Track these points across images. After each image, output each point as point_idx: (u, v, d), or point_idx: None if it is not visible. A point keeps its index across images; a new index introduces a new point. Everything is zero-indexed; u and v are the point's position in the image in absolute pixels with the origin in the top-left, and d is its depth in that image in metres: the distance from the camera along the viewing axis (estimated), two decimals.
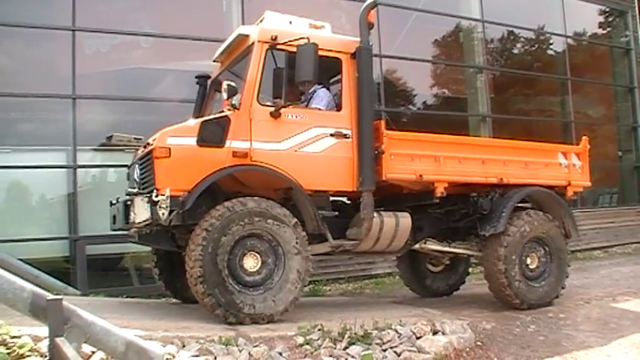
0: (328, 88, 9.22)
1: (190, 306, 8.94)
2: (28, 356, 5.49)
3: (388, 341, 7.17)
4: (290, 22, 8.81)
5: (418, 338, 7.38)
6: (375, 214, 8.62)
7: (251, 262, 7.73)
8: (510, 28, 19.91)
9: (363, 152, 8.45)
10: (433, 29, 18.33)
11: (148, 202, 7.57)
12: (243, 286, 7.61)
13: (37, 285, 10.20)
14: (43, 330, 5.18)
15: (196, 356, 6.14)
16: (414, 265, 11.28)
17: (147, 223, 7.69)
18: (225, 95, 7.94)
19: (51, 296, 5.02)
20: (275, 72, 8.52)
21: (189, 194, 7.45)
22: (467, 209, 9.78)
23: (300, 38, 7.96)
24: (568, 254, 10.19)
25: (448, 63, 19.18)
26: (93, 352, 5.60)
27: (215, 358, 6.21)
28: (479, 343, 7.79)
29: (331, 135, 8.46)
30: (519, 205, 9.88)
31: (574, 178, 10.53)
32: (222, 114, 8.09)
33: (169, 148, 7.61)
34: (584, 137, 10.93)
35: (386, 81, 16.41)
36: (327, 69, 8.77)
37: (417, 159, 8.99)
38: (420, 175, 8.95)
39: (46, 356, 5.36)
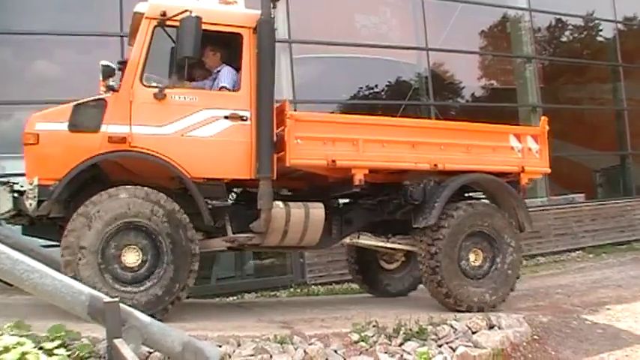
0: (235, 68, 8.13)
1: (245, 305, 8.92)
2: (87, 358, 5.57)
3: (444, 336, 7.11)
4: None
5: (474, 333, 7.30)
6: (282, 205, 7.87)
7: (132, 258, 7.08)
8: (558, 16, 19.51)
9: (260, 136, 7.63)
10: (479, 20, 18.11)
11: (9, 192, 7.15)
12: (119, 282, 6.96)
13: None
14: (101, 332, 5.25)
15: (252, 355, 6.16)
16: (363, 261, 10.36)
17: (11, 213, 7.25)
18: (100, 76, 7.40)
19: (108, 299, 5.11)
20: (171, 51, 7.97)
21: (59, 184, 6.94)
22: (399, 199, 8.74)
23: (185, 11, 7.32)
24: (521, 250, 9.01)
25: (496, 54, 18.94)
26: (150, 353, 5.67)
27: (271, 356, 6.21)
28: (535, 337, 7.64)
29: (226, 117, 7.67)
30: (470, 195, 9.28)
31: (529, 164, 9.25)
32: (98, 96, 7.48)
33: (37, 134, 7.11)
34: (542, 118, 9.81)
35: (433, 74, 16.25)
36: (231, 46, 8.11)
37: (329, 143, 8.02)
38: (333, 161, 7.94)
39: (104, 358, 5.45)
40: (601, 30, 20.45)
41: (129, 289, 6.92)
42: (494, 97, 18.39)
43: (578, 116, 19.09)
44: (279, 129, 7.87)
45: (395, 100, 15.89)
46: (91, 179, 7.38)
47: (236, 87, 7.94)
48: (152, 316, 5.99)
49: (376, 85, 16.14)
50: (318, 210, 8.12)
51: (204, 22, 7.37)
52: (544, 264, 15.23)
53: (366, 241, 9.06)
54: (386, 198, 8.88)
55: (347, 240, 8.98)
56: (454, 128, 9.41)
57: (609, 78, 20.12)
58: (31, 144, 7.12)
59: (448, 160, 8.67)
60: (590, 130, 19.09)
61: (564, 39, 20.66)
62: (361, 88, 15.90)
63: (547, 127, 9.45)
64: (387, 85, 16.46)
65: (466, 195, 9.22)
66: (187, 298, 10.79)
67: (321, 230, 8.19)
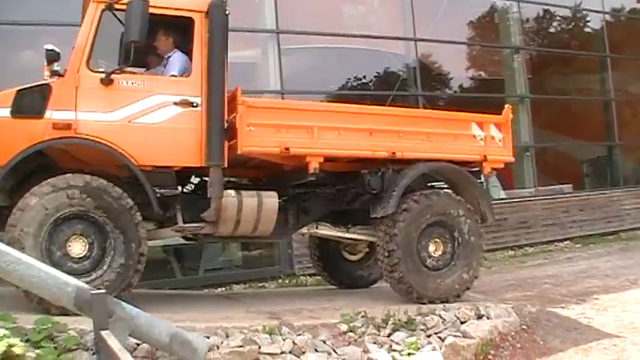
0: (186, 53, 7.86)
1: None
2: (74, 350, 5.54)
3: (432, 327, 7.11)
4: None
5: (462, 323, 7.30)
6: (233, 194, 7.65)
7: (78, 248, 6.85)
8: (546, 7, 19.57)
9: (210, 122, 7.39)
10: (468, 11, 18.10)
11: None
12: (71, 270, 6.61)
13: None
14: (87, 323, 5.21)
15: (241, 346, 6.13)
16: (325, 252, 10.00)
17: None
18: (45, 61, 7.15)
19: (95, 291, 5.06)
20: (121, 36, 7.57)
21: (1, 172, 6.67)
22: (357, 189, 8.51)
23: None
24: (482, 241, 8.66)
25: (484, 44, 18.97)
26: (138, 345, 5.63)
27: (259, 347, 6.18)
28: (524, 326, 7.65)
29: (175, 104, 7.41)
30: (433, 185, 9.04)
31: (492, 153, 8.92)
32: (43, 81, 7.17)
33: None
34: (506, 106, 9.40)
35: (421, 65, 16.24)
36: (183, 31, 7.85)
37: (283, 130, 7.75)
38: (287, 149, 7.68)
39: (91, 350, 5.41)
40: (589, 21, 20.55)
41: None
42: (483, 88, 18.45)
43: (565, 107, 19.13)
44: (232, 116, 7.62)
45: (383, 90, 15.86)
46: (39, 167, 7.14)
47: (186, 73, 7.71)
48: None
49: (364, 76, 16.14)
50: (271, 199, 7.92)
51: (155, 6, 7.16)
52: (532, 254, 15.32)
53: (325, 231, 8.80)
54: (344, 187, 8.66)
55: (304, 230, 8.77)
56: (414, 115, 9.29)
57: (597, 69, 20.17)
58: None
59: (407, 148, 8.37)
60: (578, 121, 19.11)
61: (552, 30, 20.75)
62: (349, 78, 15.90)
63: (511, 116, 9.24)
64: (375, 76, 16.45)
65: (429, 185, 9.04)
66: (176, 289, 10.96)
67: (274, 220, 7.97)
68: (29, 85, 7.04)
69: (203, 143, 7.40)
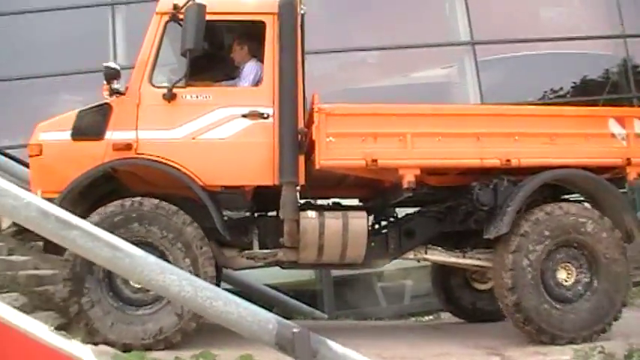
0: (262, 61, 7.22)
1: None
2: None
3: None
4: None
5: None
6: (314, 215, 6.91)
7: None
8: None
9: (281, 135, 6.71)
10: None
11: None
12: (122, 303, 6.44)
13: (284, 310, 10.33)
14: None
15: None
16: (449, 280, 8.90)
17: (12, 229, 6.93)
18: (104, 79, 6.80)
19: (297, 328, 4.76)
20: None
21: (59, 197, 6.35)
22: (468, 205, 7.28)
23: (189, 1, 6.64)
24: (628, 265, 7.14)
25: None
26: None
27: None
28: None
29: (244, 116, 6.82)
30: (566, 198, 7.61)
31: (638, 155, 7.29)
32: (103, 101, 6.90)
33: (41, 145, 6.70)
34: None
35: (635, 64, 14.79)
36: (257, 37, 7.21)
37: (370, 139, 6.85)
38: (374, 161, 6.77)
39: None
40: None
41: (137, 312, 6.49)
42: None
43: None
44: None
45: (591, 96, 14.63)
46: (111, 192, 6.92)
47: (258, 81, 7.17)
48: None
49: (570, 81, 15.01)
50: (358, 220, 7.07)
51: (221, 13, 6.90)
52: None
53: (436, 256, 7.71)
54: (454, 204, 7.50)
55: (410, 255, 7.67)
56: (531, 114, 7.77)
57: None
58: (35, 155, 6.76)
59: (525, 153, 7.10)
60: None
61: None
62: (553, 85, 14.84)
63: None
64: (581, 81, 15.25)
65: (562, 198, 7.62)
66: (382, 319, 10.65)
67: (364, 244, 7.10)
68: (89, 106, 6.90)
69: (275, 158, 6.76)
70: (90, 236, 4.90)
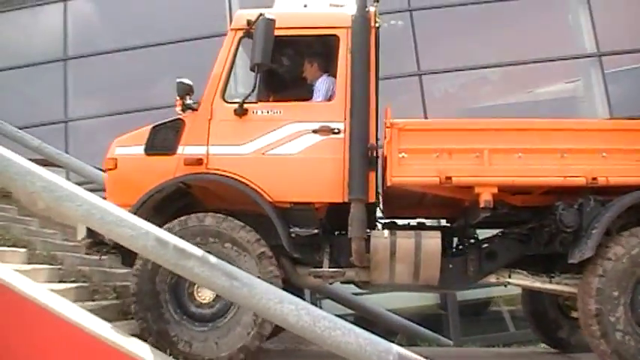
0: (334, 76, 7.11)
1: (574, 356, 7.84)
2: None
3: None
4: (305, 6, 7.34)
5: None
6: (385, 235, 6.74)
7: (205, 293, 6.47)
8: None
9: (351, 150, 6.56)
10: None
11: None
12: (187, 318, 6.46)
13: (407, 336, 10.13)
14: None
15: None
16: (538, 306, 8.39)
17: (88, 241, 6.81)
18: (177, 94, 6.85)
19: (419, 357, 4.66)
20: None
21: (130, 210, 6.25)
22: (552, 227, 6.77)
23: (259, 15, 6.60)
24: None
25: None
26: None
27: None
28: None
29: (314, 131, 6.73)
30: None
31: None
32: (177, 117, 6.98)
33: (116, 159, 6.87)
34: None
35: None
36: (328, 52, 7.14)
37: (445, 155, 6.54)
38: (448, 178, 6.45)
39: None
40: None
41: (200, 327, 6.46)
42: None
43: None
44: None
45: None
46: (186, 206, 6.94)
47: (331, 96, 7.08)
48: None
49: None
50: (431, 240, 6.77)
51: (294, 27, 6.87)
52: None
53: (520, 280, 7.26)
54: (537, 225, 7.04)
55: (493, 279, 7.27)
56: (622, 128, 7.08)
57: None
58: (110, 169, 6.94)
59: (614, 171, 6.52)
60: None
61: None
62: None
63: None
64: None
65: None
66: (510, 346, 10.26)
67: (438, 265, 6.79)
68: (163, 121, 6.99)
69: (345, 175, 6.62)
70: (207, 265, 5.00)
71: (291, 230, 6.69)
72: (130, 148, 6.95)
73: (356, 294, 8.89)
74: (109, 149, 7.04)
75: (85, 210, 4.92)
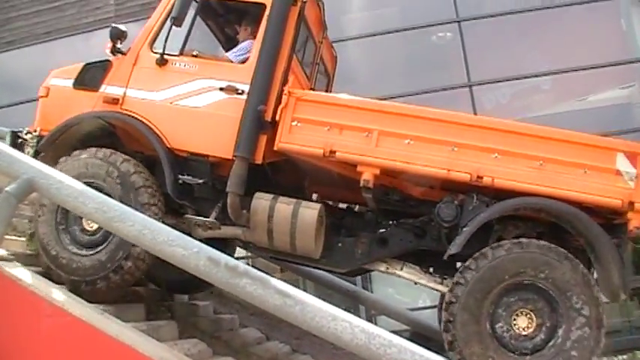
0: None
1: None
2: None
3: None
4: None
5: None
6: (266, 197, 6.93)
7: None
8: None
9: (244, 110, 6.86)
10: None
11: (12, 139, 7.47)
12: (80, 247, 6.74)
13: None
14: None
15: None
16: None
17: None
18: (110, 38, 7.30)
19: None
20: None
21: (45, 136, 7.13)
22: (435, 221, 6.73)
23: None
24: (602, 324, 6.03)
25: None
26: None
27: None
28: None
29: (221, 89, 7.07)
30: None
31: None
32: (106, 58, 7.44)
33: (48, 88, 7.46)
34: None
35: None
36: (257, 18, 7.33)
37: (335, 130, 6.67)
38: (332, 152, 6.57)
39: None
40: None
41: (81, 252, 6.73)
42: None
43: None
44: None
45: None
46: (112, 147, 7.23)
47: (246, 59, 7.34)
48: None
49: None
50: (309, 210, 6.88)
51: None
52: None
53: (411, 275, 7.18)
54: (427, 219, 6.96)
55: (382, 268, 7.22)
56: (524, 133, 6.72)
57: None
58: (42, 96, 7.51)
59: (502, 173, 6.37)
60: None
61: None
62: None
63: None
64: None
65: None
66: None
67: (313, 236, 6.84)
68: (94, 60, 7.52)
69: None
70: (259, 283, 4.96)
71: (180, 177, 7.03)
72: (62, 80, 7.50)
73: (412, 309, 8.74)
74: (46, 78, 7.63)
75: (136, 230, 5.00)
